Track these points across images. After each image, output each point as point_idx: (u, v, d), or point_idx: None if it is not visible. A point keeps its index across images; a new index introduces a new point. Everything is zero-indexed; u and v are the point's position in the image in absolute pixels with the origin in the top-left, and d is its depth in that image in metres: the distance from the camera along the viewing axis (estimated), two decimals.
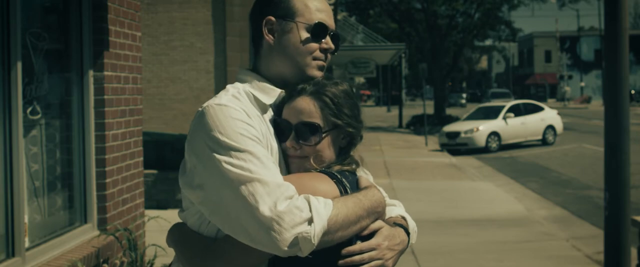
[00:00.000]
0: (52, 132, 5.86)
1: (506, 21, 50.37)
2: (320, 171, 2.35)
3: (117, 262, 5.77)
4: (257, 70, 2.49)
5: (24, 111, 5.25)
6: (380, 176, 17.87)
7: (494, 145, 26.98)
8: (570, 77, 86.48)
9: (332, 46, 2.47)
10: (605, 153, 7.37)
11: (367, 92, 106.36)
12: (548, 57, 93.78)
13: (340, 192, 2.31)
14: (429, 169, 19.72)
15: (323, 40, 2.45)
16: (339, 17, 26.62)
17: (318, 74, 2.44)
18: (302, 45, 2.41)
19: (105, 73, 6.19)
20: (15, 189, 5.07)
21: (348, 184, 2.38)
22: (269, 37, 2.43)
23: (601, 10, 43.42)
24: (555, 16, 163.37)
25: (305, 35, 2.41)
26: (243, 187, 2.12)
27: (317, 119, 2.36)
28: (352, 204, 2.24)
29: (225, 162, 2.15)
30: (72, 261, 5.40)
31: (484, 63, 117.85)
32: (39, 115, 5.59)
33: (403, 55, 42.95)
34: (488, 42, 63.65)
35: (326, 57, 2.47)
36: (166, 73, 16.39)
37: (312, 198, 2.15)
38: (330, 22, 2.47)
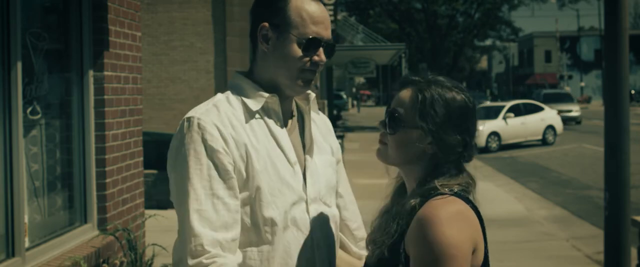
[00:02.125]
0: (52, 132, 5.86)
1: (506, 21, 50.37)
2: (454, 194, 2.20)
3: (117, 262, 5.77)
4: (252, 72, 2.51)
5: (24, 111, 5.25)
6: (379, 176, 17.83)
7: (494, 145, 26.98)
8: (570, 77, 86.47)
9: (324, 59, 2.46)
10: (605, 153, 7.37)
11: (367, 92, 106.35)
12: (548, 57, 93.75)
13: (478, 215, 2.23)
14: None
15: (315, 53, 2.43)
16: (338, 17, 26.62)
17: (303, 88, 2.46)
18: (293, 57, 2.40)
19: (105, 73, 6.19)
20: (15, 189, 5.06)
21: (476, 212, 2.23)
22: (263, 45, 2.44)
23: (601, 10, 43.49)
24: (555, 16, 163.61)
25: (297, 47, 2.40)
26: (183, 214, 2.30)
27: (403, 111, 2.29)
28: None
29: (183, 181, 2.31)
30: (75, 259, 5.39)
31: (484, 63, 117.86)
32: (39, 115, 5.59)
33: (403, 55, 42.93)
34: (488, 42, 63.67)
35: (317, 68, 2.47)
36: (166, 73, 16.40)
37: None
38: (326, 33, 2.45)
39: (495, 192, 15.74)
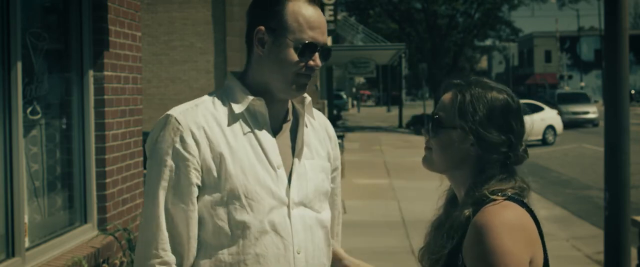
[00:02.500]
0: (52, 132, 5.86)
1: (506, 21, 50.36)
2: (507, 198, 2.16)
3: (117, 262, 5.77)
4: (245, 74, 2.52)
5: (24, 111, 5.25)
6: (380, 176, 17.88)
7: None
8: (570, 77, 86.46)
9: (319, 64, 2.45)
10: (605, 153, 7.37)
11: (367, 92, 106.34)
12: (548, 57, 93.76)
13: (534, 219, 2.19)
14: None
15: (311, 58, 2.43)
16: (339, 17, 26.61)
17: (298, 92, 2.46)
18: (289, 62, 2.40)
19: (105, 73, 6.19)
20: (15, 189, 5.06)
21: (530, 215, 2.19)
22: (258, 48, 2.43)
23: (601, 10, 43.48)
24: (555, 16, 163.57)
25: (293, 52, 2.40)
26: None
27: (443, 113, 2.29)
28: None
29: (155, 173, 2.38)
30: (76, 259, 5.39)
31: (484, 63, 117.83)
32: (39, 115, 5.59)
33: (403, 55, 42.94)
34: (488, 42, 63.63)
35: (312, 73, 2.47)
36: (166, 73, 16.40)
37: None
38: (322, 38, 2.44)
39: None
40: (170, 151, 2.34)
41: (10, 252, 5.07)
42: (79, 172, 6.13)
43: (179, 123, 2.36)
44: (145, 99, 10.83)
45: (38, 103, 5.54)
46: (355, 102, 74.14)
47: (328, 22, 20.59)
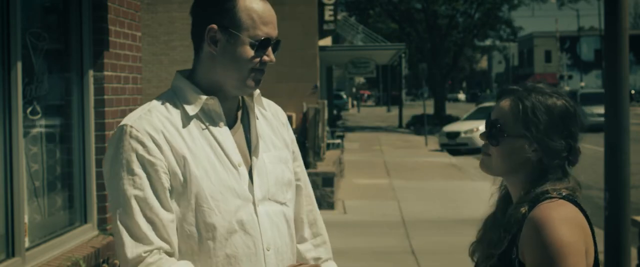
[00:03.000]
0: (52, 132, 5.86)
1: (506, 21, 50.35)
2: (562, 197, 2.28)
3: (117, 262, 5.76)
4: (194, 73, 2.47)
5: (24, 111, 5.25)
6: (380, 176, 17.87)
7: None
8: (570, 77, 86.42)
9: (273, 59, 2.43)
10: (605, 153, 7.37)
11: (367, 92, 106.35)
12: (548, 57, 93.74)
13: (586, 218, 2.30)
14: (429, 169, 19.73)
15: (265, 53, 2.41)
16: (338, 17, 26.59)
17: (254, 88, 2.44)
18: (244, 59, 2.37)
19: (105, 73, 6.19)
20: (15, 189, 5.06)
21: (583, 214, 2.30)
22: (211, 47, 2.39)
23: (601, 10, 43.46)
24: (555, 16, 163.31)
25: (249, 49, 2.37)
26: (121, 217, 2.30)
27: (504, 121, 2.33)
28: None
29: (121, 184, 2.31)
30: (74, 259, 5.39)
31: (484, 63, 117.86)
32: (39, 115, 5.59)
33: (403, 55, 42.93)
34: (488, 42, 63.58)
35: (265, 67, 2.45)
36: (166, 73, 16.39)
37: None
38: (274, 32, 2.42)
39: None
40: (135, 159, 2.30)
41: (10, 252, 5.07)
42: (79, 172, 6.13)
43: (137, 131, 2.32)
44: (145, 99, 10.84)
45: (38, 103, 5.54)
46: (355, 102, 74.16)
47: (328, 22, 20.59)
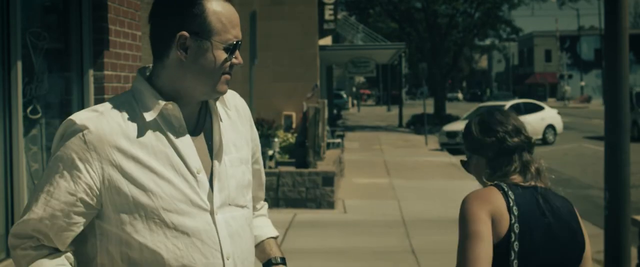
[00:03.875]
0: (52, 131, 5.86)
1: (506, 20, 50.35)
2: (492, 185, 2.98)
3: None
4: (156, 79, 2.38)
5: (24, 110, 5.25)
6: (380, 176, 17.87)
7: None
8: (570, 76, 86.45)
9: (241, 61, 2.38)
10: (605, 152, 7.37)
11: (367, 92, 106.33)
12: (548, 56, 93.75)
13: (507, 203, 2.87)
14: (429, 168, 19.73)
15: (234, 56, 2.36)
16: (339, 16, 26.59)
17: (226, 89, 2.39)
18: (216, 64, 2.31)
19: (105, 72, 6.19)
20: (15, 188, 5.07)
21: (515, 196, 2.90)
22: (180, 54, 2.31)
23: (601, 9, 43.39)
24: (555, 15, 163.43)
25: (220, 54, 2.31)
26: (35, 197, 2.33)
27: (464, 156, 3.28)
28: None
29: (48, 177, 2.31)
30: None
31: (484, 62, 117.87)
32: (39, 115, 5.59)
33: (403, 54, 42.92)
34: (488, 42, 63.58)
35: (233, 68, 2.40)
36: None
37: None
38: (239, 33, 2.37)
39: None
40: (63, 156, 2.27)
41: None
42: None
43: (83, 133, 2.26)
44: None
45: (38, 102, 5.54)
46: (355, 102, 74.14)
47: (328, 21, 20.59)
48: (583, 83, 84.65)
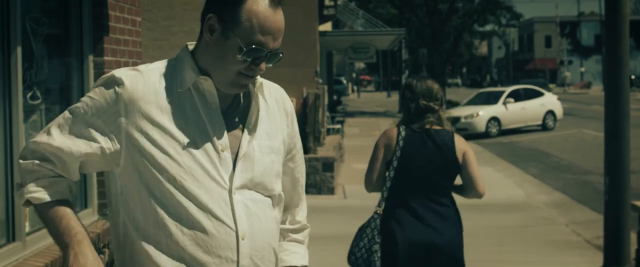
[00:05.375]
0: (52, 117, 5.86)
1: (506, 6, 50.26)
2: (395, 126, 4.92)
3: None
4: (195, 51, 2.42)
5: (24, 96, 5.25)
6: None
7: (494, 130, 26.97)
8: (570, 62, 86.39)
9: (263, 69, 2.34)
10: (605, 138, 7.38)
11: (368, 78, 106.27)
12: (548, 42, 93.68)
13: (397, 137, 4.79)
14: None
15: (254, 62, 2.31)
16: (339, 2, 26.54)
17: (235, 91, 2.38)
18: (230, 59, 2.29)
19: (105, 58, 6.18)
20: (15, 173, 5.07)
21: (405, 134, 4.78)
22: (207, 34, 2.32)
23: None
24: (555, 1, 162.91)
25: (237, 50, 2.28)
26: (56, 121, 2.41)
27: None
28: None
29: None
30: None
31: (484, 48, 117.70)
32: (39, 101, 5.59)
33: (403, 40, 42.87)
34: (488, 28, 63.48)
35: (255, 75, 2.37)
36: (166, 58, 16.37)
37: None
38: (273, 43, 2.31)
39: (495, 177, 15.75)
40: (95, 105, 2.32)
41: (11, 237, 5.09)
42: None
43: (117, 87, 2.32)
44: None
45: (38, 88, 5.54)
46: (355, 88, 74.09)
47: (328, 7, 20.54)
48: (583, 69, 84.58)
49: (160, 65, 2.40)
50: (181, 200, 2.28)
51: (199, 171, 2.30)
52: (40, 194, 2.33)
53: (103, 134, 2.31)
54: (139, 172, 2.30)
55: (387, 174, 4.73)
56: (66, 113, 2.38)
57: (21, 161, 2.39)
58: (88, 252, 2.24)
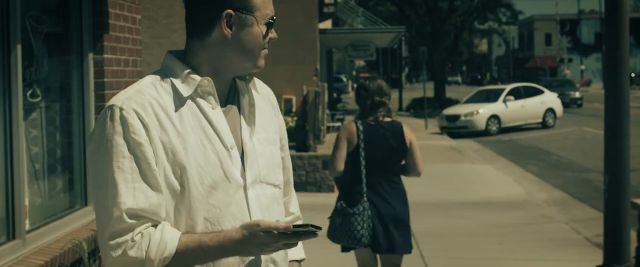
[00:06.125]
0: (52, 115, 5.86)
1: (506, 4, 50.25)
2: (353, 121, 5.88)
3: None
4: (192, 58, 2.41)
5: (24, 94, 5.25)
6: None
7: (494, 128, 26.98)
8: (570, 60, 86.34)
9: (276, 36, 2.44)
10: (605, 136, 7.38)
11: (367, 75, 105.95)
12: (548, 40, 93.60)
13: (357, 130, 5.81)
14: (428, 152, 19.73)
15: (270, 31, 2.42)
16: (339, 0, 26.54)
17: (263, 63, 2.44)
18: (258, 39, 2.38)
19: (105, 56, 6.18)
20: (15, 172, 5.07)
21: (363, 128, 5.82)
22: (227, 31, 2.34)
23: None
24: None
25: (262, 28, 2.37)
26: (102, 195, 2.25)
27: None
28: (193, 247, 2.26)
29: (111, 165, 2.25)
30: (76, 241, 5.41)
31: (484, 46, 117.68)
32: (39, 98, 5.59)
33: (403, 38, 42.84)
34: (488, 25, 63.42)
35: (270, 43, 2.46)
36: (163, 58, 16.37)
37: (154, 235, 2.24)
38: (273, 9, 2.45)
39: (495, 175, 15.75)
40: (123, 142, 2.24)
41: (11, 235, 5.09)
42: (79, 155, 6.14)
43: (127, 113, 2.25)
44: None
45: (38, 86, 5.54)
46: (355, 85, 74.02)
47: (328, 4, 20.54)
48: (583, 67, 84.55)
49: (151, 79, 2.38)
50: (205, 207, 2.30)
51: (215, 172, 2.31)
52: (169, 246, 2.25)
53: (152, 158, 2.27)
54: (165, 182, 2.29)
55: (360, 161, 5.83)
56: (121, 174, 2.25)
57: (119, 240, 2.24)
58: (236, 235, 2.26)
